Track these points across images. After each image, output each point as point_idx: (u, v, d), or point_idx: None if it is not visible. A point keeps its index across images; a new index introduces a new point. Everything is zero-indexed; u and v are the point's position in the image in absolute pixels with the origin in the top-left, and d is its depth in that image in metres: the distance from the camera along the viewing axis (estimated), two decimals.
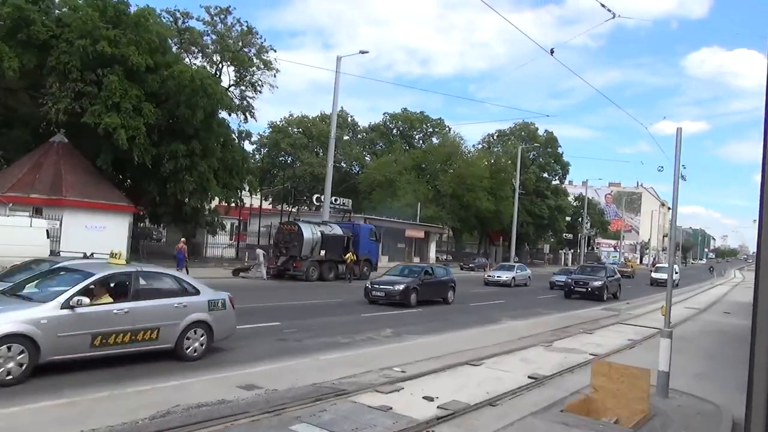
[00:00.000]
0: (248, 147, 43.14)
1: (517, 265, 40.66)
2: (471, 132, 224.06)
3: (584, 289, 29.28)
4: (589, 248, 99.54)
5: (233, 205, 41.60)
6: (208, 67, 34.71)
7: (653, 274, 47.61)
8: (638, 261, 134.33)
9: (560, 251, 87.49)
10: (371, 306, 19.94)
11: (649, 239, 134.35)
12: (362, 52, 33.53)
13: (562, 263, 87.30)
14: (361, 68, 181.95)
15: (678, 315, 23.40)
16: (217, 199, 36.00)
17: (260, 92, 36.90)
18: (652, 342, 15.68)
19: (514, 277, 36.27)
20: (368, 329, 14.89)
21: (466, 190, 59.02)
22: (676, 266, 39.77)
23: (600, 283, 29.60)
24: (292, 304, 19.31)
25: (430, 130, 74.31)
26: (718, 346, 15.90)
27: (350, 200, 44.97)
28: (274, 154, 75.23)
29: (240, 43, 34.87)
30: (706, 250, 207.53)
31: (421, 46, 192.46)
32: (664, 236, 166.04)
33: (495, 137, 72.72)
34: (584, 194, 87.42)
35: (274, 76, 36.74)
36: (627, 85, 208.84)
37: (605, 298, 28.87)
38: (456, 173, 58.78)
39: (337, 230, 31.74)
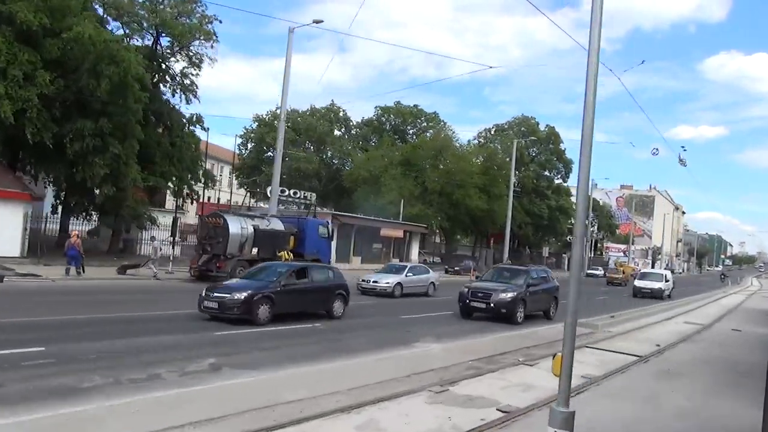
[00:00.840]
0: (231, 141, 38.15)
1: (411, 265, 30.05)
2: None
3: (484, 304, 18.60)
4: (596, 252, 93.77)
5: (189, 198, 37.22)
6: (139, 40, 30.22)
7: (637, 282, 39.74)
8: (650, 266, 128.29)
9: (563, 255, 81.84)
10: (222, 322, 13.82)
11: (662, 244, 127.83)
12: (315, 22, 28.65)
13: (566, 268, 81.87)
14: (375, 70, 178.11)
15: (674, 333, 18.37)
16: (169, 191, 31.54)
17: (199, 67, 32.21)
18: (616, 382, 10.68)
19: (400, 283, 25.28)
20: (181, 358, 10.02)
21: (456, 187, 53.98)
22: (667, 272, 33.88)
23: (509, 296, 18.60)
24: (105, 317, 14.05)
25: (424, 124, 69.40)
26: (718, 389, 10.79)
27: (314, 194, 40.22)
28: (260, 150, 70.90)
29: (176, 11, 30.20)
30: (722, 256, 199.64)
31: (437, 49, 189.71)
32: (678, 241, 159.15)
33: (492, 132, 67.49)
34: (591, 195, 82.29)
35: (212, 46, 32.02)
36: (644, 89, 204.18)
37: (519, 320, 18.43)
38: (445, 169, 53.73)
39: (277, 225, 26.91)
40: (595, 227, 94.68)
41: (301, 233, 27.85)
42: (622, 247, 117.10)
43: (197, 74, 32.58)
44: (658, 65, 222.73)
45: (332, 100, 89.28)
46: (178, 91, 32.44)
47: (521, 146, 63.91)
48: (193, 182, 35.42)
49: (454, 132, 62.11)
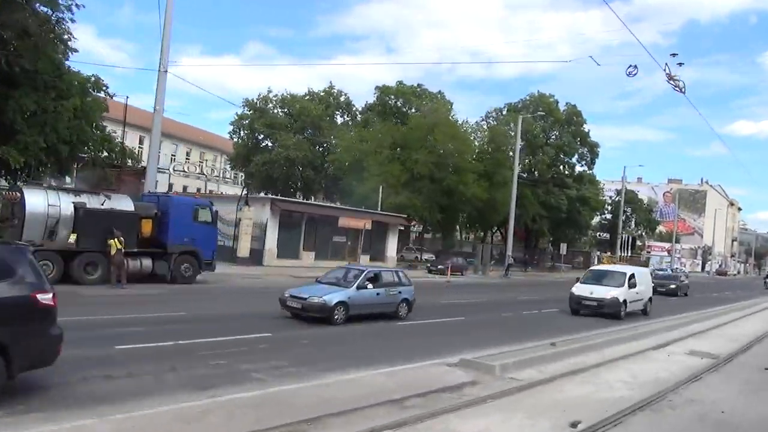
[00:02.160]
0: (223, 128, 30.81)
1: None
2: None
3: None
4: (634, 251, 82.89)
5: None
6: None
7: (576, 289, 22.36)
8: (700, 268, 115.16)
9: (593, 253, 71.72)
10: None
11: (712, 242, 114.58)
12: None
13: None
14: (422, 71, 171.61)
15: (648, 382, 9.82)
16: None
17: (69, 11, 25.04)
18: None
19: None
20: None
21: (449, 172, 45.50)
22: (634, 270, 22.62)
23: None
24: None
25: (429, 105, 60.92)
26: None
27: (241, 173, 32.54)
28: (251, 136, 64.25)
29: None
30: None
31: (484, 48, 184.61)
32: (733, 240, 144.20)
33: (504, 112, 58.23)
34: (626, 186, 71.83)
35: None
36: (701, 84, 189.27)
37: None
38: (436, 150, 45.16)
39: (121, 203, 19.38)
40: (632, 223, 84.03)
41: (163, 216, 20.27)
42: (667, 245, 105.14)
43: (73, 20, 25.49)
44: (716, 58, 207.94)
45: (330, 82, 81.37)
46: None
47: (533, 127, 54.77)
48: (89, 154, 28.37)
49: (454, 112, 53.44)
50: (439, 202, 46.15)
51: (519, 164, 56.92)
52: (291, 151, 60.36)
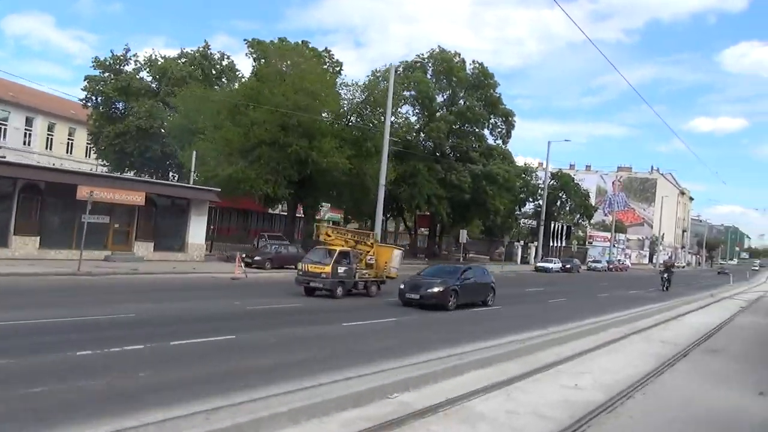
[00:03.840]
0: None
1: None
2: None
3: None
4: (569, 241, 73.17)
5: None
6: None
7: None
8: (648, 259, 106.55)
9: (516, 243, 61.53)
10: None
11: (662, 233, 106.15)
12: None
13: (519, 260, 61.45)
14: (389, 63, 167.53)
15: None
16: None
17: None
18: None
19: None
20: None
21: (297, 136, 34.42)
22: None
23: None
24: None
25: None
26: None
27: None
28: (106, 103, 52.37)
29: None
30: (737, 248, 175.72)
31: (454, 44, 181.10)
32: (683, 231, 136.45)
33: (400, 71, 47.08)
34: (547, 166, 61.90)
35: None
36: (663, 81, 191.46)
37: None
38: (278, 102, 33.79)
39: None
40: (566, 209, 74.22)
41: None
42: (619, 236, 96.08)
43: None
44: (677, 57, 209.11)
45: (205, 41, 68.41)
46: None
47: (428, 88, 44.09)
48: None
49: (343, 77, 42.38)
50: (289, 174, 35.04)
51: (412, 133, 46.35)
52: (143, 120, 48.73)
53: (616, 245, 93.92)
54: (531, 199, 73.02)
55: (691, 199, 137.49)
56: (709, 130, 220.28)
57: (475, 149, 47.42)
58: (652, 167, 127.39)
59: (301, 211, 42.33)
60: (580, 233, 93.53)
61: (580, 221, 76.16)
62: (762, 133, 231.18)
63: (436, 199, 44.98)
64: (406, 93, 45.87)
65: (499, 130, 51.29)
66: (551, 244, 67.82)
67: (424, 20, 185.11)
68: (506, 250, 61.62)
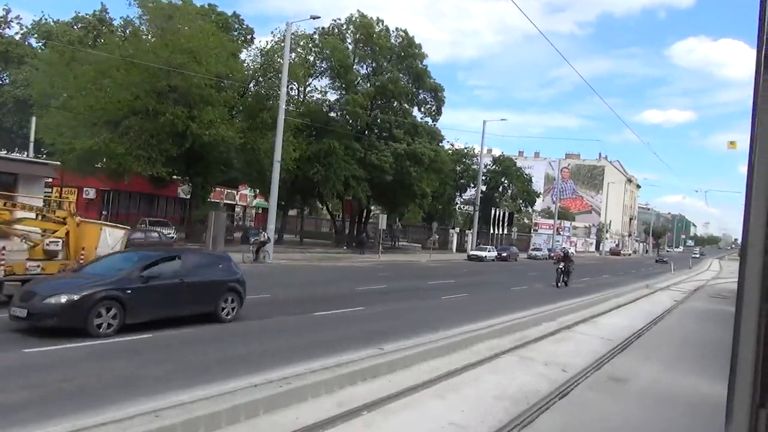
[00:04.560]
0: None
1: None
2: (460, 118, 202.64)
3: None
4: (510, 227, 69.38)
5: None
6: None
7: None
8: (594, 247, 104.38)
9: (452, 230, 57.25)
10: None
11: (605, 221, 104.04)
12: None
13: (455, 248, 57.31)
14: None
15: None
16: None
17: None
18: None
19: None
20: None
21: (173, 103, 28.88)
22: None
23: None
24: None
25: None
26: None
27: None
28: None
29: None
30: (682, 236, 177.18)
31: (412, 33, 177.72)
32: (631, 219, 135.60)
33: (316, 37, 41.71)
34: (482, 151, 57.60)
35: None
36: (616, 74, 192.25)
37: None
38: (148, 60, 28.09)
39: None
40: (508, 195, 70.47)
41: None
42: (556, 223, 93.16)
43: None
44: (629, 51, 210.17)
45: (102, 4, 61.13)
46: None
47: (344, 56, 39.05)
48: None
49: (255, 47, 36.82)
50: (166, 149, 29.46)
51: (325, 107, 41.26)
52: (20, 87, 42.45)
53: (561, 233, 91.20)
54: (473, 185, 69.03)
55: (639, 186, 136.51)
56: (659, 122, 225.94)
57: (400, 126, 42.56)
58: (600, 154, 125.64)
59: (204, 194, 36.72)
60: (526, 220, 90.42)
61: (522, 207, 72.40)
62: (708, 125, 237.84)
63: (354, 181, 40.05)
64: (324, 65, 40.70)
65: (429, 106, 46.60)
66: (492, 231, 63.96)
67: (383, 9, 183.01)
68: (441, 238, 57.21)
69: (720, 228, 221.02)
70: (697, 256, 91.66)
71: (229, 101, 31.32)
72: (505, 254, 51.07)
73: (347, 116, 40.55)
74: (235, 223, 66.01)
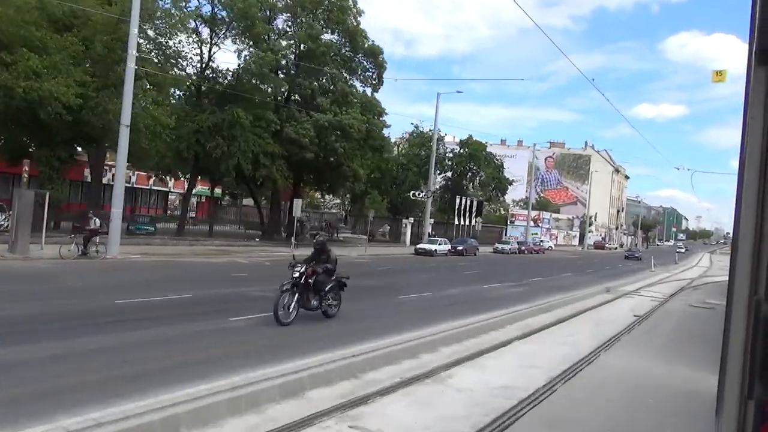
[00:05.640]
0: None
1: None
2: (455, 111, 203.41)
3: None
4: (477, 218, 62.07)
5: None
6: None
7: None
8: (578, 240, 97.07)
9: (405, 220, 49.69)
10: None
11: (590, 212, 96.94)
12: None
13: (408, 241, 49.85)
14: None
15: None
16: None
17: None
18: None
19: None
20: None
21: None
22: None
23: None
24: None
25: None
26: None
27: None
28: None
29: None
30: (673, 230, 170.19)
31: (406, 27, 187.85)
32: (618, 211, 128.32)
33: None
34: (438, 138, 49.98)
35: None
36: (609, 69, 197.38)
37: None
38: None
39: None
40: (476, 182, 63.02)
41: None
42: (534, 214, 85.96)
43: None
44: (623, 45, 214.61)
45: None
46: None
47: (244, 2, 31.58)
48: None
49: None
50: None
51: (208, 65, 33.87)
52: None
53: (539, 225, 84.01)
54: (440, 171, 61.75)
55: (627, 177, 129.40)
56: (651, 117, 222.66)
57: (326, 94, 35.10)
58: (586, 143, 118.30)
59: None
60: (502, 211, 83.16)
61: (493, 196, 65.05)
62: (701, 120, 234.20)
63: (267, 159, 32.64)
64: (222, 13, 33.20)
65: (369, 74, 39.11)
66: (458, 222, 56.72)
67: (376, 3, 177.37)
68: (394, 229, 50.01)
69: (712, 222, 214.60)
70: (683, 250, 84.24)
71: (74, 51, 23.77)
72: (460, 248, 43.70)
73: (258, 81, 33.07)
74: (169, 212, 58.66)
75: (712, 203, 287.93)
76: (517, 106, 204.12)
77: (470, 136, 62.41)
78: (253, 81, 32.42)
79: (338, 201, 71.76)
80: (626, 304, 17.48)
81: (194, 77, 33.27)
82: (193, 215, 59.74)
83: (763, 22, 2.19)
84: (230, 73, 33.85)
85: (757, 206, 2.18)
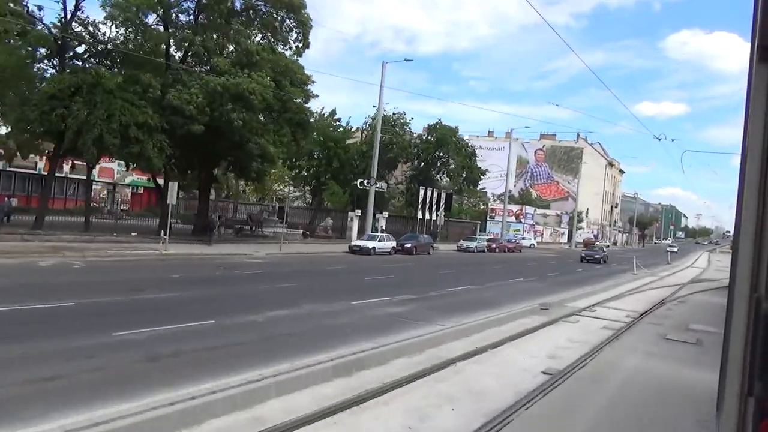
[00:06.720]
0: None
1: None
2: (455, 110, 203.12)
3: None
4: (448, 213, 54.69)
5: None
6: None
7: None
8: (566, 238, 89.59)
9: (352, 213, 42.21)
10: None
11: (581, 208, 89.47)
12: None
13: (354, 236, 42.53)
14: (344, 44, 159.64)
15: None
16: None
17: None
18: None
19: None
20: None
21: None
22: None
23: None
24: None
25: None
26: None
27: None
28: None
29: None
30: (671, 227, 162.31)
31: (407, 25, 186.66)
32: (612, 207, 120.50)
33: None
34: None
35: None
36: (610, 66, 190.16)
37: None
38: None
39: None
40: (444, 172, 55.59)
41: None
42: (517, 209, 78.66)
43: None
44: (624, 43, 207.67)
45: None
46: None
47: None
48: None
49: None
50: None
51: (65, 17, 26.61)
52: None
53: (522, 220, 76.67)
54: (404, 159, 54.50)
55: (622, 172, 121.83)
56: (652, 114, 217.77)
57: (224, 54, 27.86)
58: (578, 135, 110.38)
59: None
60: (482, 206, 75.74)
61: (463, 186, 57.66)
62: (702, 118, 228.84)
63: (141, 132, 25.33)
64: None
65: (295, 35, 31.74)
66: (421, 216, 49.50)
67: (377, 1, 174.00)
68: (338, 223, 42.80)
69: (713, 220, 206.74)
70: (675, 249, 76.25)
71: None
72: (408, 245, 36.39)
73: (128, 31, 25.74)
74: (94, 204, 51.38)
75: (713, 202, 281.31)
76: (517, 103, 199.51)
77: (439, 120, 55.11)
78: (122, 32, 25.14)
79: (299, 194, 64.53)
80: (550, 341, 10.25)
81: (54, 29, 26.07)
82: (126, 208, 52.59)
83: (765, 19, 2.20)
84: (105, 26, 26.59)
85: (759, 204, 2.19)
